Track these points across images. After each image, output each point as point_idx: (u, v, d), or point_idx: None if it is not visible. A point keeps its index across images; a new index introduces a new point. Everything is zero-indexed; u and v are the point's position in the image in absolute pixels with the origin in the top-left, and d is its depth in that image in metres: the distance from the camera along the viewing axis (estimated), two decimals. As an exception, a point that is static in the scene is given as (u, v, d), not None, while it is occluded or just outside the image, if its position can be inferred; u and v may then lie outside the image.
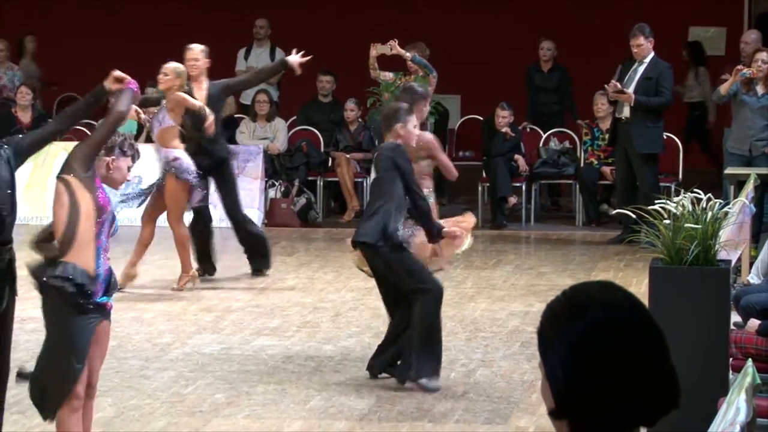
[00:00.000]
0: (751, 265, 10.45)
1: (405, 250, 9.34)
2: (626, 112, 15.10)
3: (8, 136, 16.25)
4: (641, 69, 14.99)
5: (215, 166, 13.22)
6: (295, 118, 18.10)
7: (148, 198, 12.68)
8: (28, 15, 20.46)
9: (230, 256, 15.13)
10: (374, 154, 9.89)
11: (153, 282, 12.92)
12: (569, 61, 18.22)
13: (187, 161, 12.56)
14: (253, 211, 16.89)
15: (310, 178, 17.16)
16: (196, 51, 13.18)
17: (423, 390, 9.11)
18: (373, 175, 9.80)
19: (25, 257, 7.26)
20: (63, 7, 20.77)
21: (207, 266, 13.40)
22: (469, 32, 20.35)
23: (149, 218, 12.82)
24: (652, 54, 15.01)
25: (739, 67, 14.46)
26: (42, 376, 7.12)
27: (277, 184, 17.03)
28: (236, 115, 18.02)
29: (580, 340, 2.47)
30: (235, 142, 17.36)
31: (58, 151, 16.82)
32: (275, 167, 17.15)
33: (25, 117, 17.74)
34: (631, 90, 14.87)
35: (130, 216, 14.28)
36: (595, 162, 16.77)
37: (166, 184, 12.55)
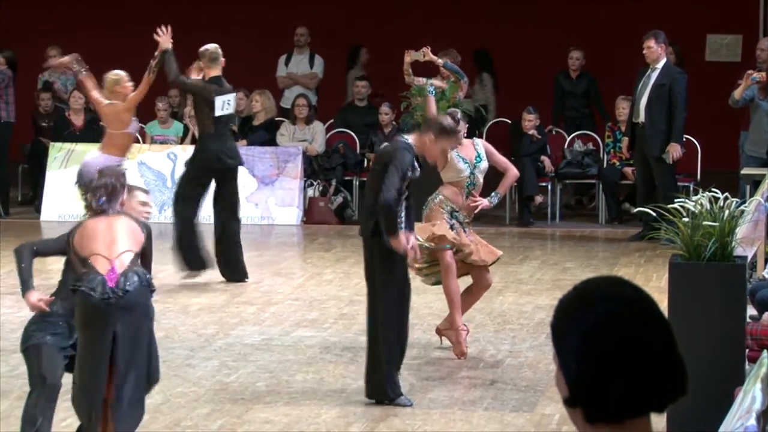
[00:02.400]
0: (766, 260, 10.40)
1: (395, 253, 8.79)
2: (642, 116, 15.05)
3: (62, 138, 16.32)
4: (654, 75, 14.94)
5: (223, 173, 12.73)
6: (332, 121, 18.11)
7: None
8: (72, 23, 20.53)
9: (271, 252, 15.16)
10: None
11: (197, 275, 12.93)
12: (592, 66, 18.20)
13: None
14: (293, 209, 16.92)
15: (346, 178, 17.16)
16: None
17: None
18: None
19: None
20: (103, 16, 20.81)
21: (237, 273, 12.76)
22: (498, 41, 20.31)
23: None
24: (664, 60, 14.95)
25: (749, 72, 14.40)
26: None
27: (315, 183, 17.05)
28: (277, 118, 18.04)
29: (590, 331, 2.49)
30: (275, 144, 17.39)
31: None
32: (314, 167, 17.16)
33: (77, 120, 17.79)
34: (645, 96, 14.88)
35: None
36: (617, 163, 16.77)
37: None
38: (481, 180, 10.30)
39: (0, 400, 8.70)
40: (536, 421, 8.39)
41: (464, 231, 10.02)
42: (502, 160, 10.57)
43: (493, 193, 10.49)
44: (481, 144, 10.47)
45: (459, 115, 10.08)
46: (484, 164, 10.34)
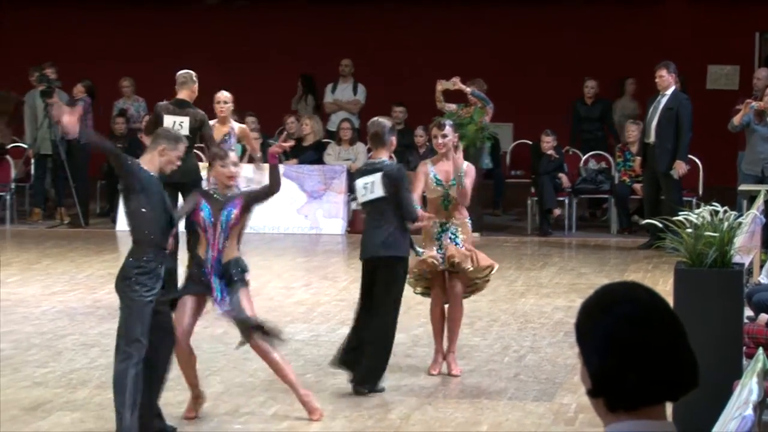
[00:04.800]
0: (761, 267, 10.34)
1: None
2: (653, 137, 15.06)
3: (133, 155, 16.36)
4: (664, 101, 15.00)
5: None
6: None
7: None
8: (146, 50, 20.63)
9: (319, 258, 15.18)
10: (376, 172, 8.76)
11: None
12: (606, 93, 18.23)
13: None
14: (338, 220, 16.94)
15: (385, 193, 17.14)
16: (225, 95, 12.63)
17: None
18: (379, 192, 8.71)
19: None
20: (161, 46, 20.92)
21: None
22: (520, 70, 20.31)
23: None
24: (673, 87, 14.99)
25: (748, 100, 14.46)
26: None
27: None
28: (324, 140, 18.07)
29: (610, 330, 2.51)
30: (323, 162, 17.42)
31: (176, 170, 17.00)
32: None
33: (148, 141, 17.85)
34: (656, 119, 14.94)
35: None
36: (627, 180, 16.75)
37: None
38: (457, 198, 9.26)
39: (79, 390, 8.74)
40: (555, 409, 8.36)
41: (456, 242, 9.23)
42: (464, 191, 9.21)
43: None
44: (465, 170, 9.22)
45: (448, 124, 9.58)
46: (465, 187, 9.19)
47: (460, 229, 9.29)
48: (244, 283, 7.95)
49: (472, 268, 9.24)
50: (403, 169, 8.91)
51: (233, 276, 7.88)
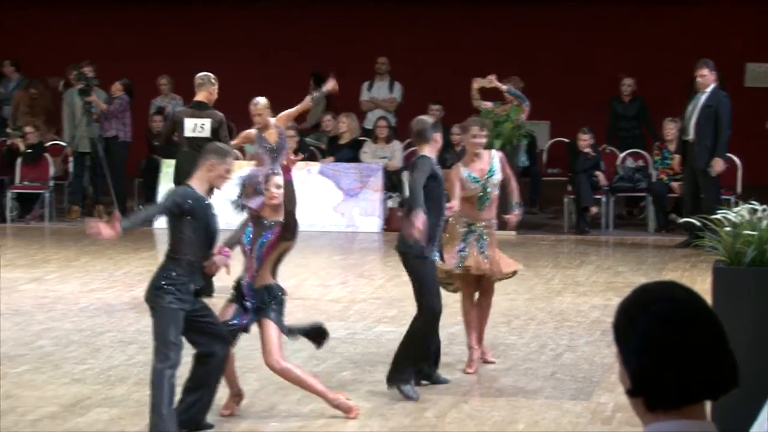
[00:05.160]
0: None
1: (428, 261, 8.64)
2: (692, 134, 14.99)
3: (173, 155, 16.50)
4: (703, 98, 14.95)
5: None
6: (410, 140, 18.11)
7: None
8: (184, 47, 20.72)
9: (355, 256, 15.20)
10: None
11: (290, 276, 12.98)
12: (641, 90, 18.15)
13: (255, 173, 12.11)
14: (374, 218, 16.94)
15: (422, 191, 17.13)
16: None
17: (404, 397, 8.50)
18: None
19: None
20: (199, 44, 20.98)
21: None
22: (557, 67, 20.25)
23: None
24: (713, 85, 14.93)
25: None
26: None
27: (394, 195, 17.06)
28: (360, 138, 18.07)
29: (648, 328, 2.50)
30: (359, 160, 17.43)
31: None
32: (393, 181, 17.18)
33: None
34: (695, 116, 14.87)
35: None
36: (665, 178, 16.66)
37: None
38: (496, 192, 9.37)
39: (118, 386, 8.79)
40: (592, 408, 8.33)
41: (481, 245, 9.23)
42: (508, 173, 9.54)
43: (515, 204, 9.73)
44: (497, 157, 9.52)
45: (478, 124, 9.53)
46: (496, 177, 9.32)
47: (487, 230, 9.28)
48: (275, 311, 7.93)
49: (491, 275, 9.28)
50: (423, 159, 8.80)
51: (263, 303, 7.90)
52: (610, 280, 13.11)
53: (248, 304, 7.90)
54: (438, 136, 8.89)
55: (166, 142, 13.89)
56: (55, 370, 9.21)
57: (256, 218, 7.97)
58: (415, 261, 8.58)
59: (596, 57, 20.14)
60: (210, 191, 7.56)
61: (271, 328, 7.85)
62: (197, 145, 12.40)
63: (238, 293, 7.95)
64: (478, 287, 9.45)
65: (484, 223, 9.28)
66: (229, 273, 7.77)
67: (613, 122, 18.14)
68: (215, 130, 12.08)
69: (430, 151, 8.87)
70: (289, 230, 7.85)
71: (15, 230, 17.30)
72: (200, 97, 12.30)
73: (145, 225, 7.81)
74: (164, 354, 7.25)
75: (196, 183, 7.49)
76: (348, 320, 11.13)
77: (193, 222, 7.35)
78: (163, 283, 7.32)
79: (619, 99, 18.15)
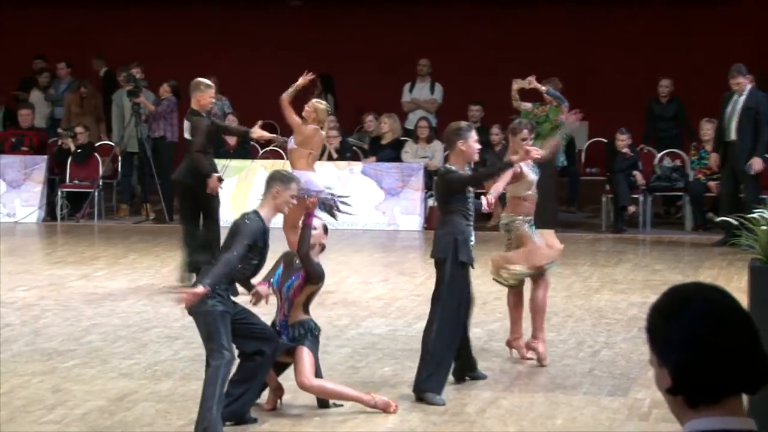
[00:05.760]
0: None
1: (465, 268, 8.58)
2: (733, 135, 14.94)
3: (218, 155, 16.64)
4: (741, 100, 14.91)
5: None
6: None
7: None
8: (230, 50, 20.78)
9: (396, 254, 15.19)
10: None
11: (332, 274, 12.99)
12: (678, 91, 18.05)
13: (316, 182, 12.03)
14: (415, 216, 16.93)
15: (462, 190, 17.10)
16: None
17: (429, 403, 8.28)
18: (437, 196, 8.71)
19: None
20: (247, 45, 21.03)
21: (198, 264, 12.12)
22: (596, 69, 20.16)
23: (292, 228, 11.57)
24: (749, 86, 14.88)
25: None
26: None
27: (435, 195, 17.03)
28: (402, 138, 18.06)
29: (686, 325, 2.50)
30: (400, 160, 17.41)
31: (257, 168, 17.08)
32: (433, 181, 17.15)
33: (231, 140, 17.98)
34: (736, 118, 14.84)
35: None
36: (702, 178, 16.57)
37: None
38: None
39: (164, 381, 8.81)
40: (629, 404, 8.28)
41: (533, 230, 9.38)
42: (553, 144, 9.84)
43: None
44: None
45: (528, 127, 9.51)
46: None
47: (528, 221, 9.38)
48: (310, 341, 7.95)
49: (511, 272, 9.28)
50: (450, 169, 8.62)
51: (299, 336, 7.93)
52: (647, 278, 13.03)
53: (284, 338, 7.96)
54: (461, 143, 8.56)
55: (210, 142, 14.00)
56: (103, 365, 9.25)
57: (288, 259, 8.00)
58: (446, 270, 8.49)
59: (633, 58, 20.03)
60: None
61: (304, 351, 7.91)
62: (188, 148, 12.52)
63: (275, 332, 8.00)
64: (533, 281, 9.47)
65: (530, 218, 9.43)
66: (267, 303, 7.87)
67: (650, 123, 18.07)
68: (208, 133, 12.16)
69: (455, 160, 8.68)
70: (310, 276, 7.85)
71: (65, 228, 17.42)
72: (192, 103, 12.39)
73: (229, 272, 7.64)
74: (219, 352, 7.29)
75: (264, 210, 7.55)
76: (389, 317, 11.12)
77: (254, 251, 7.46)
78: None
79: (656, 100, 18.08)
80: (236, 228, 7.44)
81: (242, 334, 7.54)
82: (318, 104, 12.42)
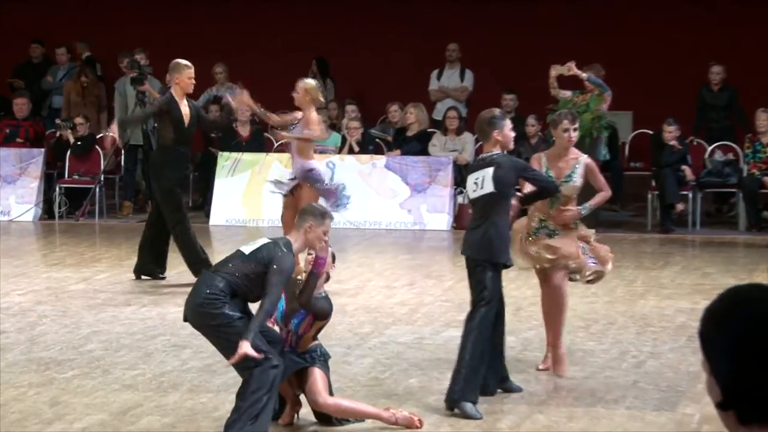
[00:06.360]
0: None
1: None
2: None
3: (229, 148, 16.58)
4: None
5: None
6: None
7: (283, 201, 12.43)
8: (237, 42, 20.82)
9: (423, 255, 15.18)
10: (485, 167, 8.59)
11: (353, 277, 13.01)
12: (732, 79, 17.99)
13: (320, 171, 12.32)
14: (443, 215, 16.92)
15: (494, 186, 17.09)
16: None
17: (464, 415, 8.29)
18: (489, 188, 8.47)
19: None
20: (254, 34, 21.09)
21: (159, 266, 13.13)
22: (641, 55, 20.10)
23: (291, 221, 11.62)
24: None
25: None
26: None
27: (464, 191, 17.03)
28: (429, 130, 18.06)
29: (740, 332, 2.46)
30: (428, 154, 17.41)
31: (272, 161, 17.11)
32: (463, 176, 17.13)
33: (244, 131, 18.03)
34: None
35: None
36: (757, 173, 16.52)
37: (302, 191, 12.11)
38: (573, 195, 9.28)
39: (170, 394, 8.84)
40: (677, 420, 8.26)
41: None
42: (600, 182, 9.45)
43: (585, 204, 9.39)
44: (583, 163, 9.31)
45: (569, 117, 9.51)
46: (573, 184, 9.26)
47: (560, 228, 9.26)
48: (321, 363, 8.06)
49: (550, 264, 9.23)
50: (515, 159, 8.90)
51: (310, 359, 8.02)
52: (697, 282, 13.00)
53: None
54: (497, 133, 8.61)
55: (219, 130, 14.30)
56: (105, 376, 9.29)
57: (290, 291, 8.03)
58: (489, 273, 8.50)
59: (683, 43, 19.97)
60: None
61: (316, 372, 8.02)
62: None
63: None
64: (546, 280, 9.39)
65: (553, 223, 9.27)
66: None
67: (701, 113, 17.99)
68: (157, 114, 12.77)
69: (497, 147, 8.71)
70: (317, 316, 8.00)
71: (64, 227, 17.49)
72: (171, 86, 12.79)
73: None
74: (264, 356, 7.40)
75: (297, 245, 7.65)
76: (415, 324, 11.13)
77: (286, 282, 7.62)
78: (213, 302, 7.50)
79: (707, 87, 17.99)
80: (269, 255, 7.50)
81: None
82: (306, 84, 12.36)
